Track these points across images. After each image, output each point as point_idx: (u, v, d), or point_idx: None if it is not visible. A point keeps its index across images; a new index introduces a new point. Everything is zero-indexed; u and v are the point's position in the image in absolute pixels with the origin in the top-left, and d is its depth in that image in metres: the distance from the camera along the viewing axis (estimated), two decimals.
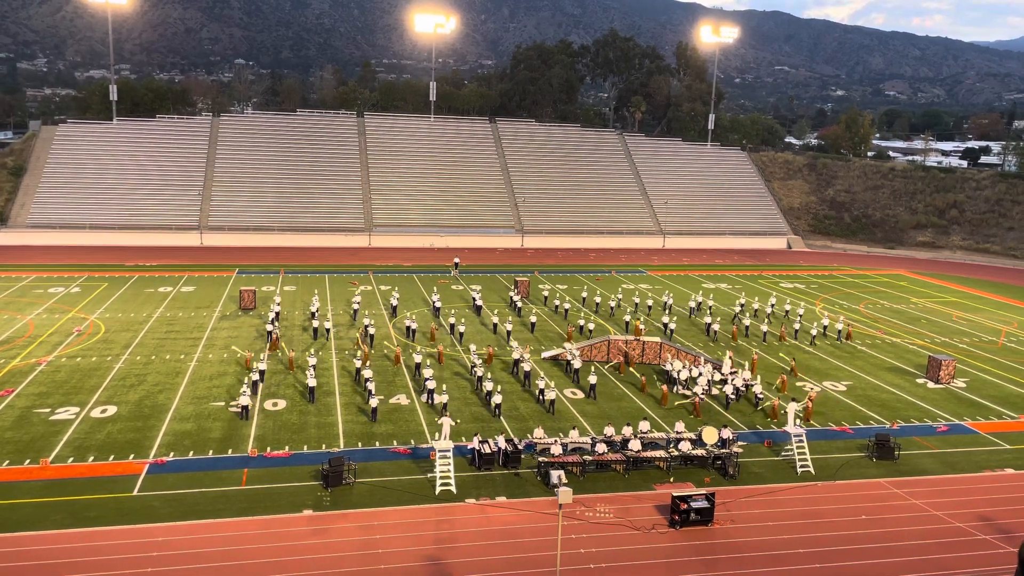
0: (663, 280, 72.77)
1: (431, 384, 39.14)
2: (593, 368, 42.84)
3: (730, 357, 44.78)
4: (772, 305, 59.52)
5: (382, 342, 48.69)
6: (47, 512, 27.20)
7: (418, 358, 43.09)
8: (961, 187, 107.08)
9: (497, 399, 37.85)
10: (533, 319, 54.22)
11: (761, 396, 40.29)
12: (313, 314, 51.70)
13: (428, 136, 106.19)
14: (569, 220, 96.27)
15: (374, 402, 36.89)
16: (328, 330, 50.22)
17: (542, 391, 39.59)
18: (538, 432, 33.34)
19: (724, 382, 41.16)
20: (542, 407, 38.87)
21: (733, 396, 40.21)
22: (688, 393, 40.44)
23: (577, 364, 43.81)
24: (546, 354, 46.27)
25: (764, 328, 53.58)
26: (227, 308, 56.50)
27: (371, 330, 48.19)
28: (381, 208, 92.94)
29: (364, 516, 27.77)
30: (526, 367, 42.22)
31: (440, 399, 37.61)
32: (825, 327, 54.44)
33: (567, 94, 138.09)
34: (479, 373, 41.26)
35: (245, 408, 36.23)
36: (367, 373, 39.70)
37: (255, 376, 39.47)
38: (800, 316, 56.54)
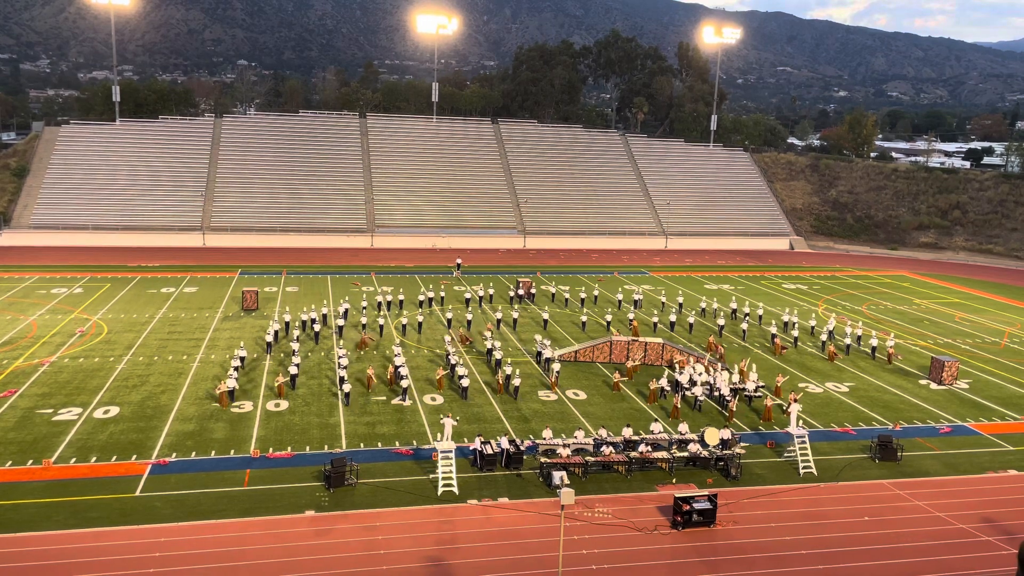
0: (665, 281, 72.75)
1: (403, 371, 40.38)
2: (558, 357, 44.38)
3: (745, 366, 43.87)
4: (831, 322, 54.05)
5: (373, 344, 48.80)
6: (49, 512, 27.24)
7: (397, 350, 43.98)
8: (964, 188, 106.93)
9: (465, 383, 39.63)
10: (545, 316, 54.56)
11: (728, 399, 39.26)
12: (303, 324, 50.89)
13: (430, 137, 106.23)
14: (571, 221, 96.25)
15: (347, 387, 38.36)
16: (340, 327, 50.74)
17: (508, 376, 40.93)
18: (546, 433, 33.38)
19: (695, 383, 40.63)
20: (508, 393, 40.28)
21: (701, 399, 39.47)
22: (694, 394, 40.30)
23: (548, 354, 44.70)
24: (554, 354, 46.00)
25: (795, 333, 52.49)
26: (230, 309, 56.58)
27: (380, 320, 50.74)
28: (383, 209, 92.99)
29: (366, 517, 27.78)
30: (498, 355, 43.88)
31: (405, 383, 39.37)
32: (874, 348, 49.55)
33: (569, 95, 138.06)
34: (453, 361, 42.88)
35: (232, 391, 37.73)
36: (343, 361, 41.27)
37: (235, 362, 41.48)
38: (859, 336, 52.15)
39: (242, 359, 42.91)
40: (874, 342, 50.00)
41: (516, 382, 40.20)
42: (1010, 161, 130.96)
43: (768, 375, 44.25)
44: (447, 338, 47.84)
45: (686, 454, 32.51)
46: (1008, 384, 45.60)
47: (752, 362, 44.67)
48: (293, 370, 40.58)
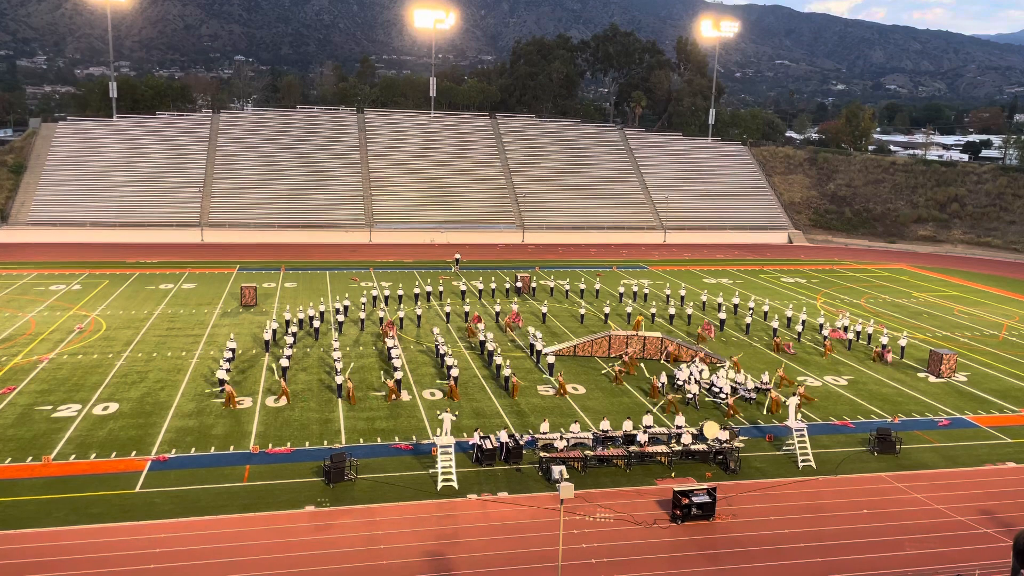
0: (664, 275, 72.75)
1: (397, 363, 40.75)
2: (555, 352, 44.79)
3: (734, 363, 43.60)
4: (846, 318, 53.48)
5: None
6: (49, 509, 27.25)
7: (390, 343, 44.62)
8: (962, 181, 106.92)
9: (455, 372, 39.94)
10: (544, 310, 54.68)
11: (724, 396, 39.08)
12: (300, 322, 50.49)
13: (428, 132, 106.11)
14: (570, 216, 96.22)
15: (339, 379, 38.66)
16: (340, 323, 50.96)
17: (499, 366, 41.64)
18: (543, 427, 33.48)
19: (689, 380, 40.46)
20: (498, 384, 40.82)
21: (691, 396, 39.14)
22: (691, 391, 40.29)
23: (539, 346, 45.26)
24: (548, 350, 46.08)
25: (799, 328, 52.39)
26: (228, 305, 56.56)
27: (380, 314, 52.01)
28: (382, 204, 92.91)
29: (366, 512, 27.81)
30: (490, 347, 44.21)
31: (398, 375, 39.64)
32: (884, 345, 48.05)
33: (567, 89, 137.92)
34: (442, 351, 43.52)
35: (222, 381, 38.20)
36: (336, 355, 41.67)
37: (227, 354, 42.10)
38: (870, 333, 51.19)
39: (232, 351, 43.20)
40: (884, 339, 48.68)
41: (507, 372, 40.51)
42: (1008, 154, 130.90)
43: (768, 369, 44.23)
44: (435, 329, 48.25)
45: (680, 448, 32.48)
46: (1006, 377, 45.66)
47: (742, 363, 44.81)
48: (284, 362, 40.85)
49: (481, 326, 48.97)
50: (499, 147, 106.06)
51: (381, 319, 51.67)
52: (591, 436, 33.35)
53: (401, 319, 51.98)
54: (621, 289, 62.20)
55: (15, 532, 25.79)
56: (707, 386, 40.78)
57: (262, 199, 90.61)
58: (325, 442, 33.44)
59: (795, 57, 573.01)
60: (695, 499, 27.90)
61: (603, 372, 43.39)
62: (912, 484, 31.53)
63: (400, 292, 58.23)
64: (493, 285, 62.41)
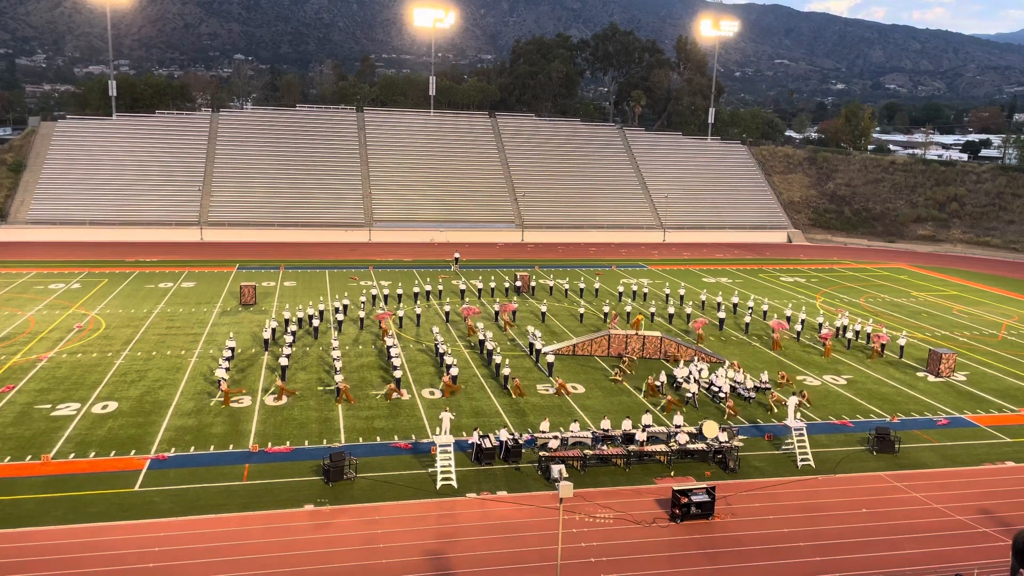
0: (664, 275, 72.75)
1: (396, 361, 40.85)
2: (554, 351, 44.76)
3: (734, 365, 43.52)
4: (845, 317, 53.19)
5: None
6: (48, 508, 27.25)
7: (389, 341, 44.64)
8: (961, 180, 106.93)
9: (454, 372, 40.18)
10: (543, 309, 54.68)
11: (723, 396, 39.10)
12: (300, 321, 50.48)
13: (428, 131, 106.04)
14: (569, 215, 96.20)
15: (339, 378, 38.61)
16: (339, 322, 50.96)
17: (498, 365, 41.96)
18: (543, 426, 33.51)
19: (688, 379, 40.45)
20: (497, 382, 41.06)
21: (690, 396, 39.11)
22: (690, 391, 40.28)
23: (538, 345, 45.51)
24: (548, 349, 46.07)
25: (798, 327, 52.54)
26: (228, 303, 56.55)
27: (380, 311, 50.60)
28: (381, 203, 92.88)
29: (365, 511, 27.82)
30: (489, 346, 44.40)
31: (397, 374, 39.71)
32: (884, 345, 48.52)
33: (567, 88, 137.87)
34: (442, 350, 43.63)
35: (221, 380, 38.30)
36: (336, 353, 41.81)
37: (227, 353, 42.17)
38: (868, 332, 51.22)
39: (232, 349, 43.23)
40: (884, 334, 49.31)
41: (506, 371, 40.63)
42: (1007, 153, 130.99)
43: (767, 369, 44.25)
44: (435, 328, 48.24)
45: (677, 445, 32.46)
46: (1005, 376, 45.68)
47: (749, 362, 44.75)
48: (284, 361, 40.87)
49: (480, 325, 48.94)
50: (499, 146, 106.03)
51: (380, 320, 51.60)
52: (590, 435, 33.39)
53: (400, 318, 51.97)
54: (620, 288, 62.26)
55: (14, 531, 25.79)
56: (706, 385, 40.82)
57: (261, 198, 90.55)
58: (324, 441, 33.45)
59: (795, 56, 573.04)
60: (694, 498, 27.91)
61: (614, 379, 42.78)
62: (911, 483, 31.56)
63: (400, 291, 58.24)
64: (492, 284, 62.47)
